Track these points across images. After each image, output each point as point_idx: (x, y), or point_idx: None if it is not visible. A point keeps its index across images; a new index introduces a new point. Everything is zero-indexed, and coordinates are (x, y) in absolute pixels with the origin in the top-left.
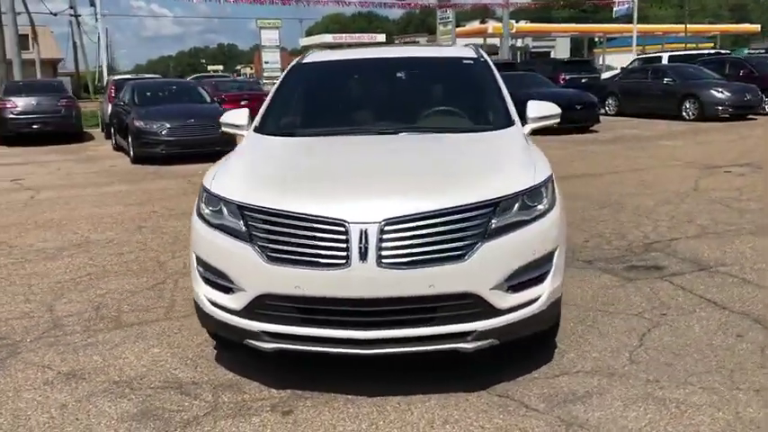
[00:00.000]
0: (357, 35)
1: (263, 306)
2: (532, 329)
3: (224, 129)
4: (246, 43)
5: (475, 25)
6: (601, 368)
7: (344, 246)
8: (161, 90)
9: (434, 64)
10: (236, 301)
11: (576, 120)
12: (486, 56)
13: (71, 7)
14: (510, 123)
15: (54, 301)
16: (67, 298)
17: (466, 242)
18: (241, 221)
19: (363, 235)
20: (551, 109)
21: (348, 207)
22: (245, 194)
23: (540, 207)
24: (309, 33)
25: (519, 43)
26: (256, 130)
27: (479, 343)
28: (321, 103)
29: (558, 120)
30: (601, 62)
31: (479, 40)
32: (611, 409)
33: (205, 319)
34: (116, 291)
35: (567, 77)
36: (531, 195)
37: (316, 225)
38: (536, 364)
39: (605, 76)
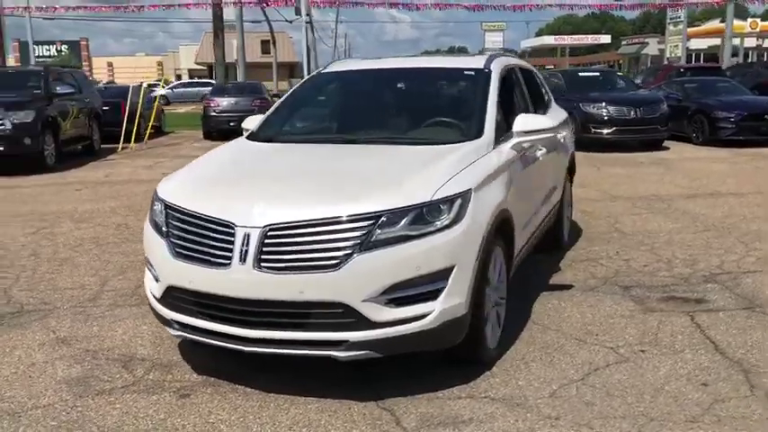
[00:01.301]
0: (578, 36)
1: (171, 297)
2: (421, 347)
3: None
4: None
5: (714, 24)
6: (512, 397)
7: (230, 247)
8: None
9: (435, 75)
10: (158, 290)
11: (763, 131)
12: (494, 67)
13: (307, 14)
14: (478, 137)
15: (112, 278)
16: (125, 276)
17: (341, 252)
18: (163, 218)
19: (246, 238)
20: (541, 123)
21: (238, 211)
22: (170, 193)
23: (436, 223)
24: (539, 34)
25: (766, 44)
26: (249, 136)
27: (352, 353)
28: (313, 111)
29: (551, 133)
30: None
31: (716, 41)
32: None
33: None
34: None
35: None
36: (428, 210)
37: (209, 225)
38: (450, 383)
39: None
